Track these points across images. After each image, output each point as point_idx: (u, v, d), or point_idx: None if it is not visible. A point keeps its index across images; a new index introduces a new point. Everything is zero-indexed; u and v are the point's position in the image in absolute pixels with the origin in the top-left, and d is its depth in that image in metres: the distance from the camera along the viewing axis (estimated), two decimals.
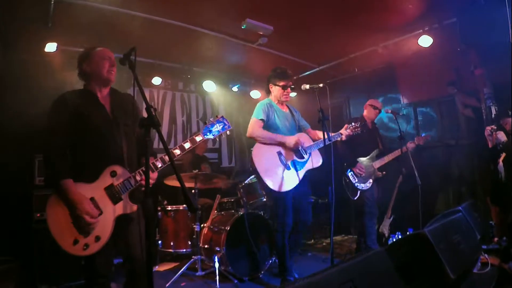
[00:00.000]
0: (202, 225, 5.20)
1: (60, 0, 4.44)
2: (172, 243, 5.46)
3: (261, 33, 5.64)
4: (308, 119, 4.86)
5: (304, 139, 4.47)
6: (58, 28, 4.90)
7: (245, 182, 5.18)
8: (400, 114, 5.57)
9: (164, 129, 7.53)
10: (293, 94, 7.51)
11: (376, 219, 5.43)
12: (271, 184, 4.12)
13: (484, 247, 4.41)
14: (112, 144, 2.74)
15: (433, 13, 5.33)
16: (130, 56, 2.49)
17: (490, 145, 4.86)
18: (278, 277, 4.59)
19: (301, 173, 4.35)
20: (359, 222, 5.50)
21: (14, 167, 4.84)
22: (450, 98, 6.40)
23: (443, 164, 6.46)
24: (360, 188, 5.24)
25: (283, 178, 4.19)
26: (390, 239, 5.69)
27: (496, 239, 4.90)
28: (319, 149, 4.53)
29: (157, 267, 5.46)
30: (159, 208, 5.68)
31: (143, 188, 2.77)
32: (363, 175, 5.25)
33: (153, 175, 2.79)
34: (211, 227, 5.10)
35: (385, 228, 5.81)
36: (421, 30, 5.73)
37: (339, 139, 4.66)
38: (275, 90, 4.55)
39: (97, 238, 2.58)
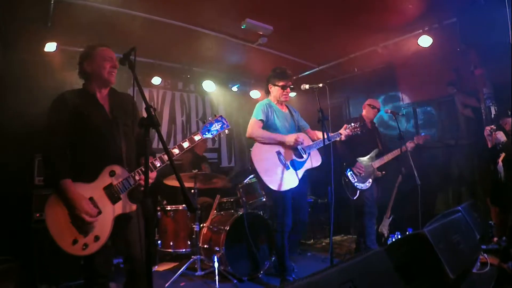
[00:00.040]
0: (201, 225, 5.20)
1: (60, 0, 4.44)
2: (171, 243, 5.45)
3: (261, 33, 5.64)
4: (308, 119, 4.86)
5: (304, 139, 4.48)
6: (58, 28, 4.90)
7: (245, 182, 5.18)
8: (400, 114, 5.56)
9: (164, 129, 7.53)
10: (292, 94, 7.52)
11: (375, 219, 5.42)
12: (271, 184, 4.13)
13: (484, 247, 4.42)
14: (111, 144, 2.74)
15: (433, 13, 5.33)
16: (129, 56, 2.48)
17: (489, 145, 4.87)
18: (277, 277, 4.60)
19: (300, 172, 4.35)
20: (358, 222, 5.50)
21: (14, 167, 4.83)
22: (450, 98, 6.40)
23: (443, 164, 6.46)
24: (360, 188, 5.24)
25: (283, 178, 4.19)
26: (390, 239, 5.69)
27: (495, 239, 4.90)
28: (318, 149, 4.54)
29: (156, 267, 5.46)
30: (158, 208, 5.68)
31: (142, 188, 2.78)
32: (363, 174, 5.25)
33: (152, 175, 2.78)
34: (211, 227, 5.10)
35: (384, 228, 5.81)
36: (421, 30, 5.74)
37: (338, 139, 4.67)
38: (275, 90, 4.56)
39: (96, 238, 2.57)
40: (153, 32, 5.34)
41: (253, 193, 5.11)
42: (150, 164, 2.71)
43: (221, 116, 3.22)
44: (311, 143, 4.50)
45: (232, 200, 5.74)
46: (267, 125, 4.39)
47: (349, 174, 5.26)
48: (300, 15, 5.27)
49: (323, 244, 6.97)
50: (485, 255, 4.16)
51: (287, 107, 4.71)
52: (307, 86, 4.22)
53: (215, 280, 4.39)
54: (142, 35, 5.11)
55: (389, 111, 5.55)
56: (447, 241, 3.07)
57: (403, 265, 2.56)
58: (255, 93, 8.19)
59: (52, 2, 4.42)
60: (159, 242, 5.55)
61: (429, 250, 2.77)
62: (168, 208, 5.57)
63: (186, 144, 2.97)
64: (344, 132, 4.68)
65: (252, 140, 4.39)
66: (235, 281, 4.53)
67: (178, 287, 4.59)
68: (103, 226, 2.61)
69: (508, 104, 4.83)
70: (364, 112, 5.71)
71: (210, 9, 4.89)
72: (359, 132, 4.76)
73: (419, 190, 4.83)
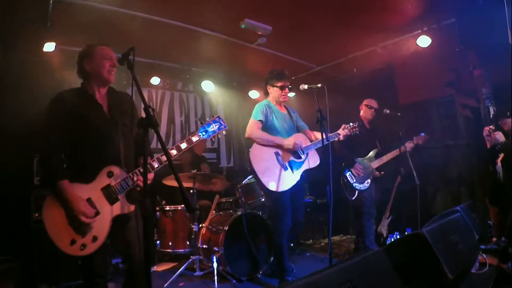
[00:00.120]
0: (200, 225, 5.21)
1: (59, 0, 4.44)
2: (170, 243, 5.45)
3: (260, 33, 5.65)
4: (307, 119, 4.87)
5: (301, 139, 4.49)
6: (57, 28, 4.89)
7: (244, 182, 5.19)
8: (399, 114, 5.56)
9: (163, 129, 7.52)
10: (291, 94, 7.53)
11: (374, 219, 5.43)
12: (269, 184, 4.15)
13: (483, 247, 4.42)
14: (109, 144, 2.73)
15: (432, 13, 5.34)
16: (128, 56, 2.48)
17: (488, 146, 4.87)
18: (276, 277, 4.60)
19: (299, 173, 4.37)
20: (357, 222, 5.50)
21: (14, 167, 4.82)
22: (449, 98, 6.40)
23: (442, 165, 6.46)
24: (358, 188, 5.24)
25: (281, 179, 4.21)
26: (388, 239, 5.70)
27: (494, 239, 4.91)
28: (316, 149, 4.55)
29: (155, 267, 5.46)
30: (157, 208, 5.68)
31: (138, 188, 2.78)
32: (361, 175, 5.26)
33: (150, 176, 2.77)
34: (210, 227, 5.10)
35: (383, 228, 5.82)
36: (420, 31, 5.75)
37: (336, 139, 4.68)
38: (273, 91, 4.58)
39: (94, 238, 2.57)
40: (152, 32, 5.34)
41: (252, 193, 5.12)
42: (148, 165, 2.71)
43: (218, 117, 3.21)
44: (309, 143, 4.51)
45: (231, 200, 5.73)
46: (266, 126, 4.40)
47: (347, 174, 5.26)
48: (300, 15, 5.27)
49: (322, 244, 6.97)
50: (484, 255, 4.17)
51: (286, 108, 4.73)
52: (305, 86, 4.24)
53: (214, 280, 4.39)
54: (141, 35, 5.10)
55: (388, 111, 5.55)
56: (445, 241, 3.07)
57: (402, 265, 2.56)
58: (254, 93, 8.20)
59: (51, 2, 4.42)
60: (158, 242, 5.54)
61: (428, 250, 2.77)
62: (167, 208, 5.56)
63: (184, 145, 2.97)
64: (342, 132, 4.69)
65: (251, 140, 4.39)
66: (234, 281, 4.52)
67: (177, 287, 4.58)
68: (101, 227, 2.61)
69: (507, 104, 4.83)
70: (361, 113, 5.71)
71: (209, 9, 4.89)
72: (357, 132, 4.77)
73: (418, 190, 4.84)
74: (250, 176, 5.07)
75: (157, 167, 2.82)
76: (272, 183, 4.16)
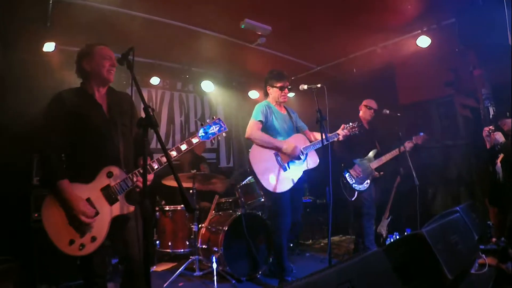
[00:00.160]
0: (200, 225, 5.21)
1: (59, 0, 4.44)
2: (170, 243, 5.45)
3: (259, 33, 5.64)
4: (306, 120, 4.87)
5: (301, 140, 4.50)
6: (56, 28, 4.89)
7: (243, 182, 5.19)
8: (398, 114, 5.56)
9: (162, 129, 7.51)
10: (291, 95, 7.53)
11: (373, 220, 5.43)
12: (268, 185, 4.15)
13: (482, 247, 4.42)
14: (109, 144, 2.73)
15: (432, 13, 5.34)
16: (128, 56, 2.47)
17: (488, 146, 4.87)
18: (276, 277, 4.60)
19: (298, 173, 4.37)
20: (357, 223, 5.50)
21: (14, 167, 4.82)
22: (449, 98, 6.41)
23: (441, 165, 6.46)
24: (358, 189, 5.24)
25: (281, 179, 4.21)
26: (388, 239, 5.69)
27: (494, 239, 4.90)
28: (316, 150, 4.55)
29: (155, 267, 5.46)
30: (157, 208, 5.68)
31: (138, 189, 2.78)
32: (360, 176, 5.26)
33: (149, 177, 2.77)
34: (209, 227, 5.10)
35: (383, 229, 5.82)
36: (420, 31, 5.75)
37: (336, 139, 4.67)
38: (273, 91, 4.58)
39: (93, 239, 2.57)
40: (152, 32, 5.33)
41: (252, 193, 5.12)
42: (148, 166, 2.71)
43: (219, 119, 3.21)
44: (308, 144, 4.51)
45: (230, 200, 5.73)
46: (266, 126, 4.41)
47: (347, 175, 5.26)
48: (300, 15, 5.27)
49: (322, 244, 6.97)
50: (484, 255, 4.16)
51: (285, 108, 4.73)
52: (305, 87, 4.24)
53: (214, 280, 4.38)
54: (141, 35, 5.10)
55: (388, 111, 5.55)
56: (445, 242, 3.07)
57: (401, 265, 2.56)
58: (253, 93, 8.20)
59: (51, 2, 4.42)
60: (157, 242, 5.54)
61: (427, 250, 2.77)
62: (167, 208, 5.56)
63: (184, 147, 2.97)
64: (342, 132, 4.70)
65: (250, 141, 4.40)
66: (233, 281, 4.52)
67: (176, 287, 4.58)
68: (100, 227, 2.61)
69: (506, 105, 4.83)
70: (361, 113, 5.71)
71: (209, 9, 4.89)
72: (357, 132, 4.77)
73: (417, 190, 4.84)
74: (250, 177, 5.07)
75: (157, 168, 2.82)
76: (272, 184, 4.16)
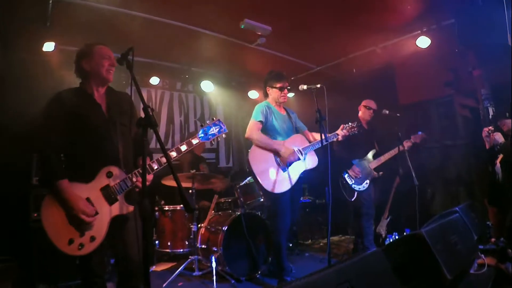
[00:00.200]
0: (199, 225, 5.21)
1: (59, 0, 4.44)
2: (169, 243, 5.45)
3: (259, 33, 5.65)
4: (306, 120, 4.87)
5: (300, 140, 4.52)
6: (56, 28, 4.89)
7: (243, 182, 5.19)
8: (398, 115, 5.57)
9: (162, 129, 7.51)
10: (290, 95, 7.53)
11: (373, 220, 5.44)
12: (267, 185, 4.16)
13: (481, 247, 4.42)
14: (108, 144, 2.73)
15: (432, 14, 5.34)
16: (127, 56, 2.47)
17: (487, 146, 4.88)
18: (275, 277, 4.61)
19: (297, 174, 4.37)
20: (356, 223, 5.51)
21: (14, 167, 4.82)
22: (448, 98, 6.41)
23: (441, 165, 6.47)
24: (357, 189, 5.25)
25: (280, 179, 4.22)
26: (387, 239, 5.70)
27: (493, 239, 4.91)
28: (315, 150, 4.55)
29: (154, 267, 5.46)
30: (156, 208, 5.67)
31: (137, 189, 2.78)
32: (359, 176, 5.26)
33: (149, 177, 2.77)
34: (208, 227, 5.10)
35: (382, 229, 5.82)
36: (419, 31, 5.76)
37: (335, 139, 4.68)
38: (273, 92, 4.60)
39: (92, 238, 2.57)
40: (151, 32, 5.34)
41: (251, 193, 5.12)
42: (147, 166, 2.71)
43: (219, 120, 3.21)
44: (308, 144, 4.51)
45: (230, 200, 5.73)
46: (266, 126, 4.42)
47: (346, 176, 5.27)
48: (299, 15, 5.28)
49: (321, 244, 6.97)
50: (483, 255, 4.17)
51: (285, 109, 4.74)
52: (305, 87, 4.24)
53: (213, 280, 4.39)
54: (140, 35, 5.10)
55: (387, 111, 5.55)
56: (444, 242, 3.07)
57: (400, 265, 2.56)
58: (253, 93, 8.20)
59: (51, 1, 4.42)
60: (157, 242, 5.54)
61: (426, 250, 2.77)
62: (166, 208, 5.56)
63: (184, 148, 2.98)
64: (341, 132, 4.70)
65: (250, 141, 4.40)
66: (233, 281, 4.52)
67: (175, 287, 4.59)
68: (99, 227, 2.60)
69: (506, 105, 4.84)
70: (360, 113, 5.71)
71: (208, 9, 4.89)
72: (356, 132, 4.77)
73: (416, 190, 4.84)
74: (250, 177, 5.07)
75: (156, 169, 2.81)
76: (271, 184, 4.16)
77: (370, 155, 5.44)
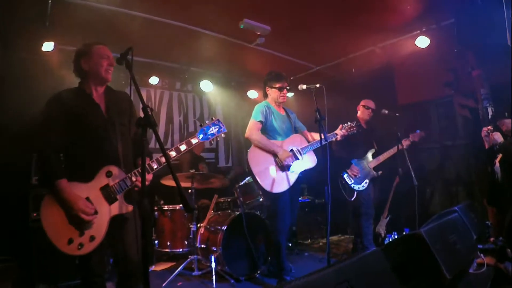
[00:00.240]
0: (198, 225, 5.21)
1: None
2: (168, 243, 5.45)
3: (258, 33, 5.64)
4: (305, 119, 4.88)
5: (299, 140, 4.53)
6: (56, 28, 4.88)
7: (242, 182, 5.19)
8: (397, 114, 5.57)
9: (161, 129, 7.51)
10: (290, 95, 7.53)
11: (372, 220, 5.44)
12: (267, 185, 4.17)
13: (480, 247, 4.43)
14: (108, 144, 2.72)
15: (431, 14, 5.34)
16: (127, 56, 2.47)
17: (486, 146, 4.88)
18: (274, 277, 4.61)
19: (296, 174, 4.38)
20: (355, 222, 5.51)
21: (14, 167, 4.81)
22: (448, 99, 6.41)
23: (440, 165, 6.47)
24: (357, 189, 5.25)
25: (279, 179, 4.23)
26: (387, 239, 5.70)
27: (492, 239, 4.92)
28: (314, 150, 4.55)
29: (153, 266, 5.46)
30: (155, 208, 5.67)
31: (136, 189, 2.77)
32: (358, 176, 5.27)
33: (148, 177, 2.78)
34: (208, 227, 5.10)
35: (381, 228, 5.82)
36: (419, 31, 5.75)
37: (334, 139, 4.68)
38: (272, 92, 4.62)
39: (92, 238, 2.57)
40: (151, 32, 5.33)
41: (251, 193, 5.11)
42: (146, 166, 2.71)
43: (218, 120, 3.22)
44: (307, 144, 4.52)
45: (229, 200, 5.74)
46: (265, 126, 4.44)
47: (345, 176, 5.27)
48: (299, 15, 5.27)
49: (320, 244, 6.97)
50: (482, 255, 4.17)
51: (284, 109, 4.75)
52: (304, 87, 4.24)
53: (212, 280, 4.40)
54: (140, 34, 5.10)
55: (386, 111, 5.55)
56: (443, 241, 3.08)
57: (400, 265, 2.57)
58: (252, 93, 8.20)
59: (50, 1, 4.42)
60: (156, 242, 5.54)
61: (425, 250, 2.78)
62: (165, 208, 5.56)
63: (183, 147, 2.98)
64: (340, 132, 4.71)
65: (249, 141, 4.41)
66: (232, 281, 4.53)
67: (175, 287, 4.59)
68: (99, 226, 2.60)
69: (505, 105, 4.84)
70: (359, 113, 5.72)
71: (208, 9, 4.88)
72: (355, 131, 4.77)
73: (416, 190, 4.85)
74: (249, 177, 5.07)
75: (156, 168, 2.81)
76: (270, 184, 4.17)
77: (369, 154, 5.45)
